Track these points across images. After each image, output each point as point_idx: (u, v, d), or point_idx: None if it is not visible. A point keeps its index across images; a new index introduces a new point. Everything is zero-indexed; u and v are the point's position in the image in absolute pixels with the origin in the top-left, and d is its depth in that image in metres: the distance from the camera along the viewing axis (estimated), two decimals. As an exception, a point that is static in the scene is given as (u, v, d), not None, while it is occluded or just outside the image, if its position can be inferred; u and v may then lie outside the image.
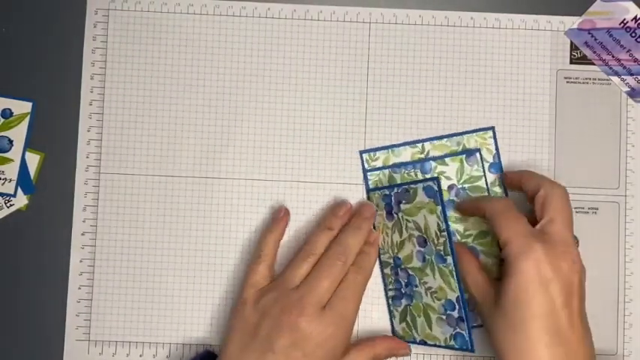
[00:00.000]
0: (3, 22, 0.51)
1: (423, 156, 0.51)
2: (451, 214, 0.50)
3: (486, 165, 0.51)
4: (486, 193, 0.50)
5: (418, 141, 0.51)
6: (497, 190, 0.51)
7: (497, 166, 0.51)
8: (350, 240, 0.48)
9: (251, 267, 0.48)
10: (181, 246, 0.51)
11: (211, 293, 0.51)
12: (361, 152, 0.51)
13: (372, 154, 0.51)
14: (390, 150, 0.51)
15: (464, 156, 0.50)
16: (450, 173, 0.50)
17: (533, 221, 0.45)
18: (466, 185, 0.50)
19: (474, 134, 0.51)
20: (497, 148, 0.51)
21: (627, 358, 0.50)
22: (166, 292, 0.51)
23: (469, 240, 0.50)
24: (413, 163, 0.51)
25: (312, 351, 0.44)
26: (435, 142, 0.51)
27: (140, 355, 0.50)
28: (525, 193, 0.48)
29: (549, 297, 0.42)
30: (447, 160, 0.50)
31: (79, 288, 0.50)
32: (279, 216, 0.50)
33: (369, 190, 0.51)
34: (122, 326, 0.50)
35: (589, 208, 0.51)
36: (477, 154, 0.51)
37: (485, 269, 0.47)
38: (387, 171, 0.51)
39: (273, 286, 0.46)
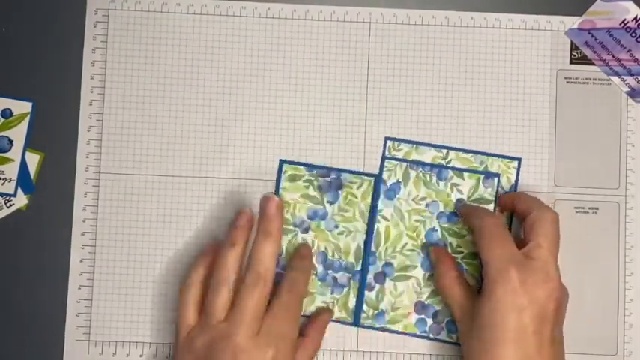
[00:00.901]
0: (3, 22, 0.51)
1: (444, 162, 0.51)
2: (449, 226, 0.50)
3: (501, 192, 0.51)
4: None
5: (444, 147, 0.51)
6: (504, 219, 0.50)
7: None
8: (262, 252, 0.45)
9: (181, 305, 0.46)
10: (181, 246, 0.51)
11: (211, 293, 0.51)
12: (387, 138, 0.51)
13: (396, 143, 0.51)
14: (414, 146, 0.51)
15: (482, 176, 0.50)
16: (463, 188, 0.50)
17: (523, 244, 0.46)
18: (474, 204, 0.50)
19: (500, 159, 0.51)
20: (517, 180, 0.51)
21: (627, 358, 0.50)
22: (166, 292, 0.51)
23: (458, 257, 0.50)
24: (431, 166, 0.50)
25: None
26: (460, 153, 0.51)
27: (140, 355, 0.50)
28: (518, 215, 0.48)
29: (521, 323, 0.43)
30: (465, 174, 0.50)
31: (79, 288, 0.50)
32: (205, 252, 0.48)
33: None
34: (122, 326, 0.50)
35: (589, 208, 0.51)
36: (495, 180, 0.50)
37: (465, 284, 0.48)
38: (404, 165, 0.51)
39: (201, 323, 0.45)
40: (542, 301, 0.43)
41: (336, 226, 0.51)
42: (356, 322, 0.50)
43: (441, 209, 0.50)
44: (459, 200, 0.50)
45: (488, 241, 0.45)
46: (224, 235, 0.51)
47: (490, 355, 0.43)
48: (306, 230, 0.51)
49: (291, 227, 0.51)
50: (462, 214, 0.49)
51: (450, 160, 0.51)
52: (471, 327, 0.45)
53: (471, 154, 0.51)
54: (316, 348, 0.48)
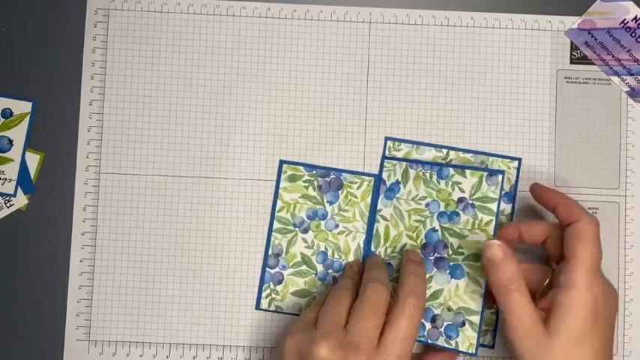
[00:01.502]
0: (3, 22, 0.51)
1: (444, 162, 0.50)
2: (450, 226, 0.50)
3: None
4: (494, 218, 0.49)
5: (444, 146, 0.51)
6: (504, 219, 0.50)
7: (511, 196, 0.50)
8: (378, 273, 0.46)
9: (303, 314, 0.45)
10: (181, 246, 0.51)
11: (211, 293, 0.51)
12: (387, 138, 0.51)
13: (396, 143, 0.51)
14: (414, 146, 0.51)
15: (486, 173, 0.50)
16: (464, 186, 0.50)
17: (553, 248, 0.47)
18: (476, 203, 0.49)
19: (500, 159, 0.51)
20: (517, 180, 0.51)
21: (627, 358, 0.50)
22: (166, 292, 0.51)
23: (459, 257, 0.49)
24: (431, 165, 0.50)
25: None
26: (460, 153, 0.51)
27: (140, 355, 0.50)
28: (557, 216, 0.46)
29: (603, 336, 0.43)
30: (467, 172, 0.50)
31: (79, 288, 0.50)
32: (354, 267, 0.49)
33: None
34: (122, 326, 0.50)
35: (589, 208, 0.51)
36: (500, 176, 0.49)
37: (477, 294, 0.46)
38: (404, 164, 0.51)
39: (321, 325, 0.43)
40: (615, 308, 0.44)
41: (336, 226, 0.51)
42: None
43: (442, 208, 0.50)
44: (460, 199, 0.49)
45: (588, 244, 0.44)
46: (225, 235, 0.51)
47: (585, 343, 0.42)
48: (305, 230, 0.51)
49: (291, 227, 0.51)
50: (550, 200, 0.47)
51: (451, 160, 0.51)
52: (540, 343, 0.42)
53: (471, 154, 0.51)
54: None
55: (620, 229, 0.51)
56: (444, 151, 0.51)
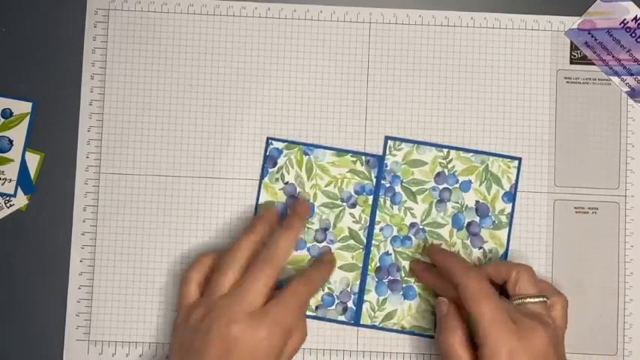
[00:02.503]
0: (3, 22, 0.51)
1: (445, 162, 0.51)
2: (402, 250, 0.50)
3: (501, 192, 0.51)
4: (442, 243, 0.50)
5: (445, 146, 0.51)
6: (504, 219, 0.51)
7: (510, 196, 0.51)
8: (280, 241, 0.46)
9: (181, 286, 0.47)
10: (181, 246, 0.51)
11: (211, 293, 0.51)
12: (387, 137, 0.51)
13: (397, 142, 0.51)
14: (415, 145, 0.51)
15: (435, 201, 0.50)
16: (416, 212, 0.51)
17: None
18: (427, 228, 0.50)
19: (500, 159, 0.51)
20: (517, 180, 0.51)
21: (627, 358, 0.50)
22: (166, 292, 0.51)
23: (411, 280, 0.50)
24: (385, 190, 0.51)
25: (244, 357, 0.42)
26: (461, 153, 0.51)
27: (140, 355, 0.50)
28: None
29: None
30: (418, 198, 0.51)
31: (79, 288, 0.50)
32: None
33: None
34: (122, 326, 0.50)
35: (589, 208, 0.51)
36: (448, 204, 0.51)
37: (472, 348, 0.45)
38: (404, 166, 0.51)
39: (201, 299, 0.45)
40: (541, 349, 0.43)
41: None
42: (356, 321, 0.50)
43: (395, 233, 0.50)
44: (412, 224, 0.50)
45: (476, 300, 0.43)
46: (225, 235, 0.51)
47: None
48: (353, 205, 0.51)
49: (338, 202, 0.51)
50: (439, 264, 0.48)
51: (451, 160, 0.51)
52: None
53: (471, 154, 0.51)
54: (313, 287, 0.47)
55: (620, 229, 0.51)
56: (445, 150, 0.51)
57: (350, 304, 0.50)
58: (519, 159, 0.51)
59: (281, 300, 0.44)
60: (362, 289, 0.50)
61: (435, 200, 0.50)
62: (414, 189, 0.51)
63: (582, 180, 0.51)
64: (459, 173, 0.51)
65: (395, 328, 0.50)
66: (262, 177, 0.51)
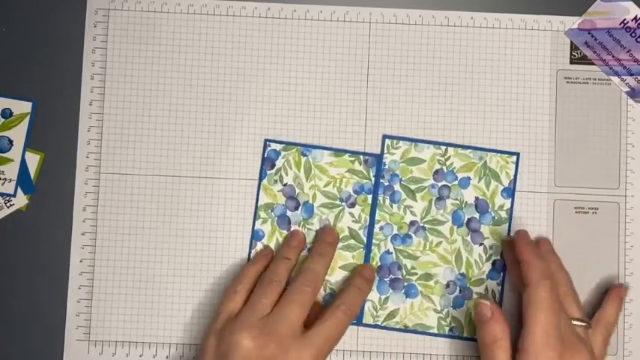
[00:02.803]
0: (3, 22, 0.51)
1: (443, 159, 0.51)
2: (403, 248, 0.51)
3: (500, 188, 0.51)
4: (443, 240, 0.50)
5: (442, 143, 0.51)
6: (503, 214, 0.51)
7: (510, 192, 0.51)
8: (316, 266, 0.48)
9: (227, 295, 0.48)
10: (181, 246, 0.51)
11: (211, 293, 0.51)
12: (384, 136, 0.51)
13: (394, 141, 0.51)
14: (413, 143, 0.51)
15: (434, 198, 0.50)
16: (416, 209, 0.51)
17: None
18: (427, 225, 0.51)
19: (498, 154, 0.51)
20: (515, 175, 0.51)
21: (627, 358, 0.50)
22: (166, 292, 0.51)
23: (413, 277, 0.50)
24: (384, 189, 0.51)
25: None
26: (459, 149, 0.51)
27: (140, 355, 0.50)
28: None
29: None
30: (417, 195, 0.51)
31: (79, 288, 0.50)
32: (264, 252, 0.50)
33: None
34: (122, 326, 0.50)
35: (589, 208, 0.51)
36: (447, 201, 0.51)
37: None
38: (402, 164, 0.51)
39: (243, 316, 0.45)
40: None
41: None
42: (359, 321, 0.50)
43: (395, 231, 0.51)
44: (412, 222, 0.50)
45: (538, 308, 0.44)
46: (225, 235, 0.51)
47: None
48: (352, 205, 0.51)
49: (337, 202, 0.51)
50: (519, 255, 0.47)
51: (449, 157, 0.51)
52: None
53: (469, 150, 0.51)
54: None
55: (620, 229, 0.51)
56: (443, 148, 0.51)
57: None
58: (517, 154, 0.51)
59: (325, 326, 0.45)
60: None
61: (435, 198, 0.51)
62: (412, 187, 0.51)
63: (582, 180, 0.51)
64: (458, 170, 0.51)
65: (397, 326, 0.50)
66: (261, 179, 0.51)
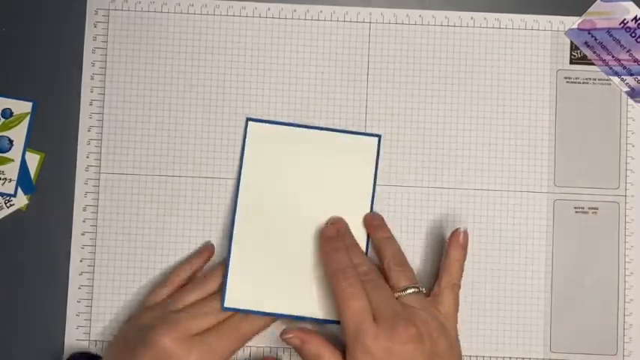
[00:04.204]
0: (3, 22, 0.51)
1: None
2: None
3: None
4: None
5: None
6: None
7: None
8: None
9: (154, 289, 0.49)
10: (181, 246, 0.51)
11: (211, 293, 0.51)
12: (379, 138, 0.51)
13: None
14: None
15: None
16: None
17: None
18: None
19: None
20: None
21: (627, 358, 0.50)
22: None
23: None
24: None
25: None
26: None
27: (140, 355, 0.50)
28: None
29: None
30: None
31: (79, 288, 0.50)
32: (202, 252, 0.50)
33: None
34: (122, 326, 0.50)
35: (589, 208, 0.51)
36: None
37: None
38: None
39: (157, 306, 0.47)
40: (411, 352, 0.42)
41: None
42: None
43: None
44: None
45: (340, 303, 0.44)
46: (225, 235, 0.51)
47: None
48: None
49: None
50: (320, 250, 0.48)
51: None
52: None
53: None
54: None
55: (620, 229, 0.51)
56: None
57: None
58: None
59: (223, 334, 0.46)
60: None
61: None
62: None
63: (582, 180, 0.51)
64: None
65: None
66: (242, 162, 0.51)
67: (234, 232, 0.49)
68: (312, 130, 0.50)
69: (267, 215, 0.49)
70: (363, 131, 0.51)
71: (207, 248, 0.50)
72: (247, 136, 0.50)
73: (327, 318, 0.48)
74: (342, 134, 0.50)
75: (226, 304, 0.47)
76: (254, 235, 0.49)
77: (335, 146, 0.50)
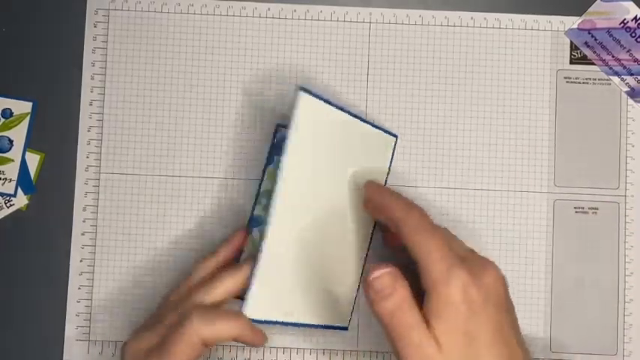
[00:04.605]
0: (3, 22, 0.51)
1: None
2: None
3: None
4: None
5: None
6: None
7: None
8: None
9: (174, 289, 0.46)
10: (181, 246, 0.51)
11: (211, 293, 0.51)
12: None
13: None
14: None
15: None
16: None
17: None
18: None
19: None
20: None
21: (627, 358, 0.50)
22: (166, 292, 0.50)
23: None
24: None
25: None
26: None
27: (140, 355, 0.50)
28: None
29: (490, 323, 0.39)
30: None
31: (79, 288, 0.50)
32: (231, 241, 0.47)
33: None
34: (122, 326, 0.50)
35: (589, 208, 0.51)
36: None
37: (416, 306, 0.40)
38: None
39: (176, 303, 0.45)
40: (493, 288, 0.39)
41: None
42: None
43: None
44: None
45: (420, 234, 0.40)
46: (225, 235, 0.51)
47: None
48: None
49: None
50: (371, 199, 0.44)
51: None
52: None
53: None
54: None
55: (620, 229, 0.51)
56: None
57: None
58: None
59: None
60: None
61: None
62: None
63: (582, 180, 0.51)
64: None
65: None
66: (267, 165, 0.49)
67: (267, 230, 0.42)
68: (349, 117, 0.45)
69: (304, 213, 0.44)
70: (383, 127, 0.49)
71: (237, 235, 0.47)
72: (296, 110, 0.42)
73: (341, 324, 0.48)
74: (366, 125, 0.47)
75: (250, 315, 0.42)
76: (288, 235, 0.43)
77: (359, 137, 0.47)
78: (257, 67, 0.52)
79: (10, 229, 0.51)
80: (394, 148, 0.50)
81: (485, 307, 0.39)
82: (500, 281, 0.40)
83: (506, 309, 0.41)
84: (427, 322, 0.38)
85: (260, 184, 0.49)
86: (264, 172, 0.49)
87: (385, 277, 0.39)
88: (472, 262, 0.40)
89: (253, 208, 0.49)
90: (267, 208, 0.43)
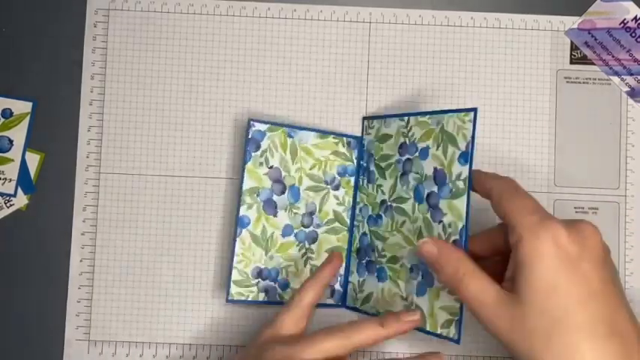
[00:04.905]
0: (3, 22, 0.51)
1: (405, 130, 0.48)
2: (375, 229, 0.49)
3: (457, 154, 0.44)
4: (407, 219, 0.47)
5: (405, 114, 0.48)
6: (461, 185, 0.43)
7: (467, 156, 0.43)
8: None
9: (277, 315, 0.44)
10: (181, 246, 0.51)
11: (211, 293, 0.51)
12: (363, 118, 0.51)
13: (370, 121, 0.51)
14: (383, 120, 0.50)
15: (399, 174, 0.48)
16: (385, 188, 0.48)
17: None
18: (393, 204, 0.48)
19: (455, 115, 0.44)
20: (473, 137, 0.43)
21: (627, 358, 0.50)
22: (166, 292, 0.51)
23: (382, 260, 0.48)
24: (364, 170, 0.50)
25: None
26: (419, 117, 0.47)
27: (140, 355, 0.50)
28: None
29: (583, 278, 0.36)
30: (386, 173, 0.48)
31: (79, 288, 0.50)
32: (330, 261, 0.47)
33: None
34: (122, 326, 0.50)
35: (589, 208, 0.51)
36: (410, 175, 0.47)
37: (482, 273, 0.40)
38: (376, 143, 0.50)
39: (283, 340, 0.43)
40: (593, 246, 0.37)
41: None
42: (343, 303, 0.50)
43: (370, 212, 0.50)
44: (382, 202, 0.49)
45: (511, 195, 0.40)
46: (225, 235, 0.51)
47: (560, 337, 0.36)
48: (337, 187, 0.50)
49: (323, 185, 0.50)
50: (480, 188, 0.43)
51: (411, 127, 0.47)
52: (514, 316, 0.37)
53: (427, 116, 0.47)
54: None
55: (620, 229, 0.51)
56: (405, 119, 0.48)
57: (337, 286, 0.50)
58: (475, 110, 0.43)
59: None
60: (347, 271, 0.50)
61: (399, 173, 0.48)
62: (382, 165, 0.49)
63: (582, 180, 0.51)
64: (418, 140, 0.46)
65: (372, 311, 0.48)
66: (245, 162, 0.49)
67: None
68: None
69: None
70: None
71: (335, 257, 0.47)
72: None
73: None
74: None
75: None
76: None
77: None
78: (257, 67, 0.52)
79: (10, 229, 0.51)
80: (360, 145, 0.50)
81: (579, 261, 0.37)
82: (598, 237, 0.38)
83: (604, 266, 0.37)
84: (512, 278, 0.38)
85: (241, 184, 0.49)
86: (243, 169, 0.49)
87: (425, 245, 0.42)
88: (569, 221, 0.39)
89: (238, 209, 0.49)
90: (252, 206, 0.48)
